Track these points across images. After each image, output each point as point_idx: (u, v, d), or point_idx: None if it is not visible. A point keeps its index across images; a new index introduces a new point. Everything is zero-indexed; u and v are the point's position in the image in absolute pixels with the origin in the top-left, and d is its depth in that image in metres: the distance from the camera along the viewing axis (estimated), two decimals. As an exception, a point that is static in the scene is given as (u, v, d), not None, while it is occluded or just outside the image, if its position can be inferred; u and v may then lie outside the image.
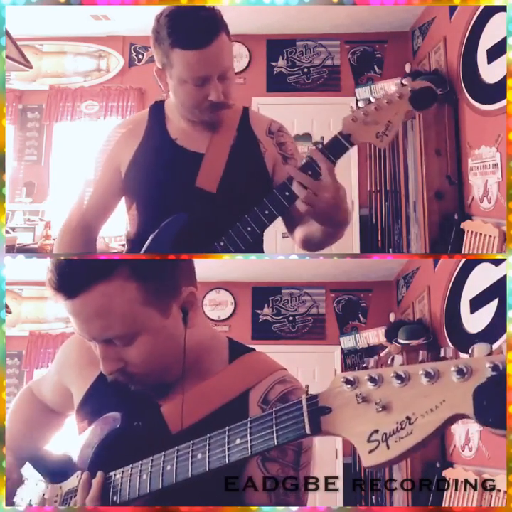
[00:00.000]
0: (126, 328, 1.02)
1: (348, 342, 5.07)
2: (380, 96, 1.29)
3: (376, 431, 0.71)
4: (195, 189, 1.46)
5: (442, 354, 0.70)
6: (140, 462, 1.02)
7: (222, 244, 1.38)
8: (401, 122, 1.28)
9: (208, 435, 0.91)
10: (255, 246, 1.50)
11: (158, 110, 1.56)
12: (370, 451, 0.71)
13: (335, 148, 1.30)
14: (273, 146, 1.54)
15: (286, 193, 1.32)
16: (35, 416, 1.36)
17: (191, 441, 0.93)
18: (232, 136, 1.52)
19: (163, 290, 1.05)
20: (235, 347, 1.18)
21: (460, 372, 0.66)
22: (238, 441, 0.86)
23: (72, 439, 1.22)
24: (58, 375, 1.30)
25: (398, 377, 0.71)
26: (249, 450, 0.84)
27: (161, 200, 1.48)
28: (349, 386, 0.75)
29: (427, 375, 0.69)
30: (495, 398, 0.64)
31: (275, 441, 0.81)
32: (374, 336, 4.78)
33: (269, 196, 1.35)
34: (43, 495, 1.22)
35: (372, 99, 1.29)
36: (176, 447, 0.96)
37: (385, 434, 0.70)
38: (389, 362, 0.74)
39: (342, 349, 5.13)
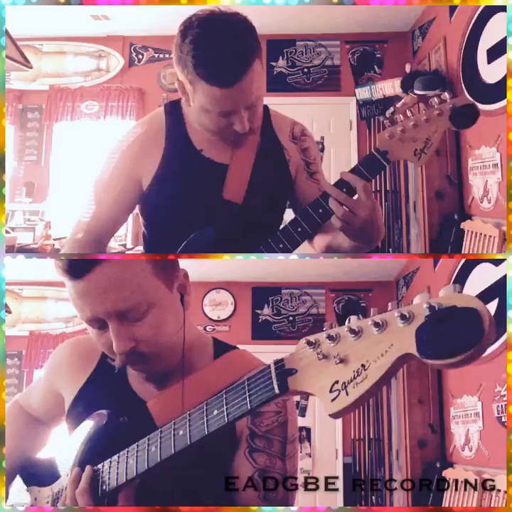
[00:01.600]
0: (139, 299, 1.05)
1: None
2: (420, 112, 1.25)
3: (336, 382, 0.78)
4: (222, 201, 1.43)
5: (390, 308, 0.77)
6: (126, 450, 1.04)
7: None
8: (440, 140, 1.25)
9: (188, 412, 0.95)
10: None
11: (175, 113, 1.47)
12: (332, 400, 0.77)
13: (371, 165, 1.28)
14: (297, 153, 1.51)
15: (320, 210, 1.30)
16: (23, 429, 1.37)
17: (173, 421, 0.97)
18: (256, 142, 1.46)
19: (168, 265, 1.12)
20: (220, 345, 1.22)
21: (403, 317, 0.74)
22: (215, 412, 0.90)
23: (61, 441, 1.24)
24: (50, 380, 1.31)
25: (352, 331, 0.78)
26: (226, 418, 0.89)
27: (189, 213, 1.44)
28: (311, 347, 0.82)
29: (376, 325, 0.76)
30: (433, 334, 0.71)
31: (248, 405, 0.86)
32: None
33: (302, 213, 1.33)
34: (35, 499, 1.24)
35: (409, 114, 1.26)
36: (160, 429, 0.99)
37: (344, 382, 0.77)
38: (347, 322, 0.80)
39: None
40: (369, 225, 1.27)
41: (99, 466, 1.08)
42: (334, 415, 0.77)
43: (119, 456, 1.05)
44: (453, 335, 0.69)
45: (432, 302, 0.72)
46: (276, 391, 0.83)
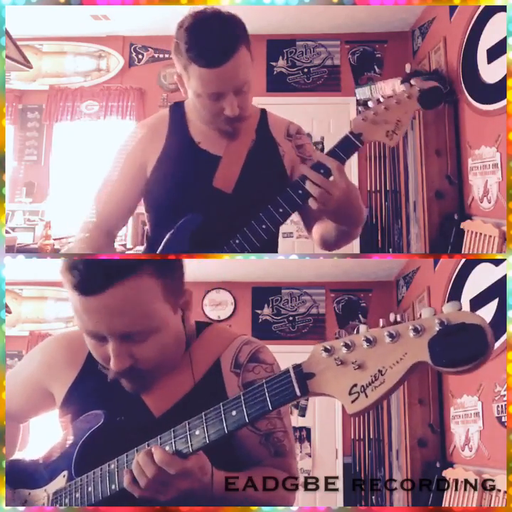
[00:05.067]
0: (148, 324, 1.06)
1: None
2: (389, 95, 1.34)
3: (355, 385, 0.87)
4: (212, 189, 1.49)
5: (399, 319, 0.87)
6: (135, 449, 1.04)
7: (237, 241, 1.41)
8: (410, 121, 1.35)
9: (203, 413, 0.99)
10: (270, 244, 1.53)
11: (178, 111, 1.57)
12: (353, 401, 0.87)
13: (346, 147, 1.36)
14: (292, 149, 1.56)
15: (300, 191, 1.35)
16: None
17: (187, 421, 1.00)
18: (251, 139, 1.54)
19: (176, 287, 1.13)
20: (200, 325, 1.26)
21: (416, 330, 0.84)
22: (234, 413, 0.96)
23: (47, 441, 1.23)
24: (35, 375, 1.30)
25: (367, 340, 0.87)
26: (247, 418, 0.95)
27: (180, 200, 1.51)
28: (327, 353, 0.90)
29: (390, 335, 0.86)
30: (445, 345, 0.81)
31: (270, 406, 0.93)
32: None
33: (283, 194, 1.38)
34: (25, 501, 1.22)
35: (381, 99, 1.35)
36: (172, 429, 1.01)
37: (363, 386, 0.86)
38: (355, 332, 0.90)
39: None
40: (345, 204, 1.33)
41: (106, 464, 1.08)
42: (355, 415, 0.87)
43: (127, 455, 1.05)
44: (463, 347, 0.81)
45: (442, 318, 0.83)
46: (298, 393, 0.91)
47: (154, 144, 1.53)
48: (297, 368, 0.92)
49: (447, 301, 0.85)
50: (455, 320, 0.82)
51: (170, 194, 1.52)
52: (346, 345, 0.88)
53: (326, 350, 0.90)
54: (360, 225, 1.46)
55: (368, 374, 0.86)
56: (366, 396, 0.85)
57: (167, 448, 1.00)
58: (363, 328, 0.89)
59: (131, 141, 1.57)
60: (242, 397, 0.96)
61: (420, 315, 0.86)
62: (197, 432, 0.98)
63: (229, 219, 1.45)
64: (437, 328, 0.82)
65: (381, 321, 0.88)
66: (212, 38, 1.37)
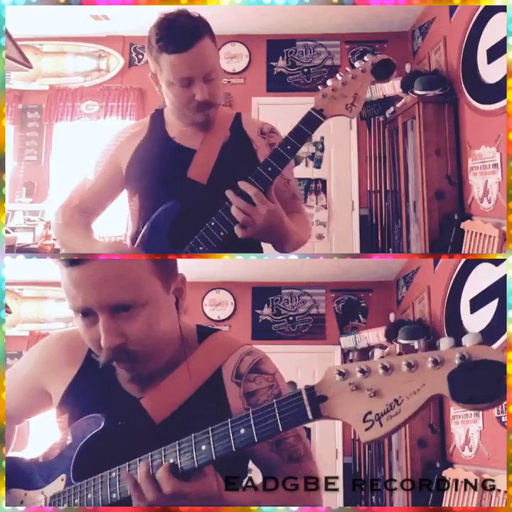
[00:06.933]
0: (135, 294, 1.06)
1: (348, 342, 5.05)
2: (345, 72, 1.45)
3: (369, 412, 0.85)
4: (186, 180, 1.55)
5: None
6: (138, 458, 1.03)
7: (213, 223, 1.44)
8: (366, 93, 1.43)
9: (210, 428, 0.97)
10: None
11: (158, 115, 1.67)
12: (367, 429, 0.85)
13: (309, 123, 1.43)
14: (265, 146, 1.61)
15: (269, 168, 1.41)
16: None
17: (193, 434, 0.98)
18: (225, 135, 1.60)
19: (167, 265, 1.14)
20: (202, 331, 1.25)
21: (435, 361, 0.82)
22: (242, 431, 0.94)
23: (47, 441, 1.22)
24: (34, 375, 1.29)
25: (384, 367, 0.86)
26: (256, 438, 0.93)
27: (157, 191, 1.56)
28: (341, 377, 0.88)
29: (408, 365, 0.84)
30: (465, 381, 0.80)
31: (280, 427, 0.91)
32: (374, 335, 4.76)
33: (254, 173, 1.42)
34: (21, 502, 1.21)
35: (338, 76, 1.46)
36: (177, 441, 0.99)
37: (378, 414, 0.85)
38: (370, 355, 0.83)
39: (342, 349, 5.12)
40: (268, 230, 1.37)
41: (107, 472, 1.06)
42: (369, 442, 0.86)
43: (129, 465, 1.04)
44: (483, 384, 0.79)
45: (463, 352, 0.82)
46: (310, 417, 0.89)
47: (131, 143, 1.62)
48: (310, 390, 0.90)
49: (467, 334, 0.83)
50: (476, 356, 0.80)
51: (146, 185, 1.58)
52: (362, 371, 0.87)
53: (340, 373, 0.88)
54: (289, 242, 1.48)
55: (384, 402, 0.84)
56: (381, 425, 0.84)
57: (171, 460, 0.98)
58: (378, 352, 0.87)
59: (112, 142, 1.65)
60: (251, 416, 0.94)
61: (438, 345, 0.85)
62: (203, 447, 0.97)
63: (205, 208, 1.47)
64: (457, 362, 0.81)
65: (397, 346, 0.87)
66: (178, 28, 1.48)
